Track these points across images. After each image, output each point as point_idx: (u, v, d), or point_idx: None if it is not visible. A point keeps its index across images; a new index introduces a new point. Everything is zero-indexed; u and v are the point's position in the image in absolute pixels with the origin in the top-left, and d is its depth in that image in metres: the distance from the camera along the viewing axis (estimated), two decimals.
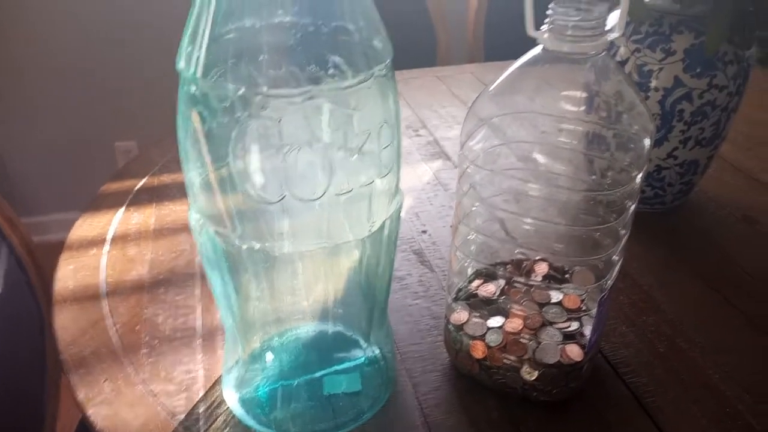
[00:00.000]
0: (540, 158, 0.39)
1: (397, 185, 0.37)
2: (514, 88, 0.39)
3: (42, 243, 0.70)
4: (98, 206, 0.67)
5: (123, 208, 0.66)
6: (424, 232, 0.62)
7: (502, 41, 1.28)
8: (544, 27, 0.36)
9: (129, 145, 1.73)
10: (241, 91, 0.30)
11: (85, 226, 0.63)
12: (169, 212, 0.65)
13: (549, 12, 0.36)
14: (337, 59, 0.31)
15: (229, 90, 0.31)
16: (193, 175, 0.35)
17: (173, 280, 0.55)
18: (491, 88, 0.39)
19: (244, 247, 0.35)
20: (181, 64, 0.33)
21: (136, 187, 0.70)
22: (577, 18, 0.35)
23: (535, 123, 0.39)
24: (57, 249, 0.60)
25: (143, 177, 0.72)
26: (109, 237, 0.61)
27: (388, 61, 0.33)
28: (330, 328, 0.42)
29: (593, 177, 0.38)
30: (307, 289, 0.39)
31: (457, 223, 0.42)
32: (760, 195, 0.68)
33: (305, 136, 0.32)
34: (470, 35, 1.31)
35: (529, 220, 0.39)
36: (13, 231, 0.67)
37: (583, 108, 0.38)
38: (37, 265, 0.69)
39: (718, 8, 0.51)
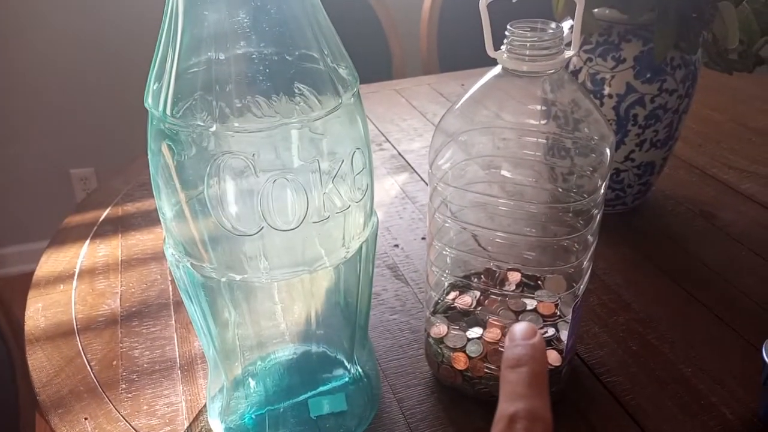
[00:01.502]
0: (507, 171, 0.40)
1: (371, 208, 0.38)
2: (479, 104, 0.40)
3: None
4: (62, 240, 0.65)
5: (88, 241, 0.65)
6: (397, 246, 0.62)
7: (456, 51, 1.30)
8: (503, 47, 0.37)
9: (86, 172, 1.69)
10: (212, 129, 0.31)
11: (50, 262, 0.62)
12: (136, 242, 0.65)
13: (507, 33, 0.37)
14: (304, 88, 0.32)
15: (199, 127, 0.31)
16: (167, 210, 0.35)
17: (146, 312, 0.55)
18: (456, 106, 0.40)
19: (223, 279, 0.35)
20: (149, 101, 0.33)
21: (100, 218, 0.69)
22: (533, 38, 0.36)
23: (500, 136, 0.40)
24: (17, 282, 0.58)
25: (106, 207, 0.71)
26: (76, 271, 0.60)
27: (356, 89, 0.34)
28: (312, 349, 0.42)
29: (558, 186, 0.40)
30: (287, 313, 0.40)
31: (431, 240, 0.43)
32: (714, 190, 0.71)
33: (279, 167, 0.32)
34: (423, 46, 1.33)
35: (500, 233, 0.40)
36: None
37: (544, 122, 0.39)
38: (1, 303, 0.67)
39: (663, 17, 0.53)
